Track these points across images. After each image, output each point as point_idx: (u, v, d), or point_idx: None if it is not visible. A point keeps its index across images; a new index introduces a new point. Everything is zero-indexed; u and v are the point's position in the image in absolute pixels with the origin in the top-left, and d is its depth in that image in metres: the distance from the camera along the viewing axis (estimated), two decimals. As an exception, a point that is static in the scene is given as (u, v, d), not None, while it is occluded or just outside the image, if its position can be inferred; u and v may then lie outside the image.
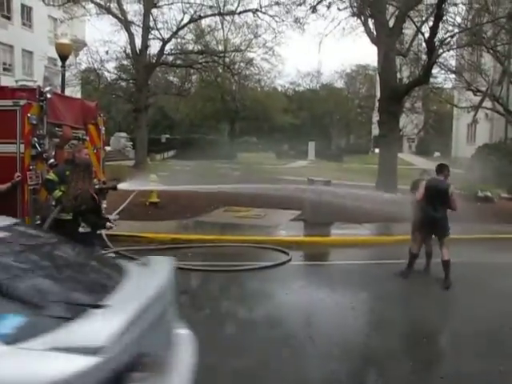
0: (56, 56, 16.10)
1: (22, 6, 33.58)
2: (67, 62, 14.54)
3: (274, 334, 5.43)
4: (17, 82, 7.50)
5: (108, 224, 6.00)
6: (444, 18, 15.40)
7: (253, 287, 7.32)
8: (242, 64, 33.82)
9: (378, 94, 20.04)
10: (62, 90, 12.93)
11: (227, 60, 30.00)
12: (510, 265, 8.58)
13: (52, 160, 7.21)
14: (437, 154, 52.90)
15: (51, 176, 6.85)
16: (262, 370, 4.55)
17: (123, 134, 42.04)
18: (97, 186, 6.69)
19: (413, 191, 8.09)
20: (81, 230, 5.80)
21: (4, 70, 33.83)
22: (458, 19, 18.05)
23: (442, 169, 7.75)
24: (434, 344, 5.42)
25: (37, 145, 7.03)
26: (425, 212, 7.44)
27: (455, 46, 19.14)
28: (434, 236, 7.79)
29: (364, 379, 4.63)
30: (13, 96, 7.01)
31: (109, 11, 26.80)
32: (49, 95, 7.18)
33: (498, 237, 11.23)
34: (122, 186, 7.57)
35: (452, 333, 5.82)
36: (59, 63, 15.71)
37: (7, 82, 12.74)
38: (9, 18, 33.00)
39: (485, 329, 5.62)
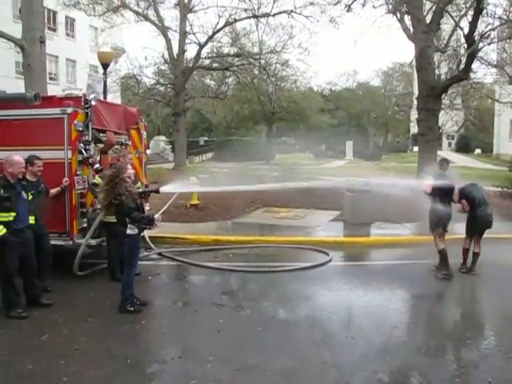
0: (97, 63, 16.67)
1: (66, 17, 34.79)
2: (108, 69, 14.98)
3: (315, 334, 5.47)
4: (64, 90, 7.84)
5: (155, 221, 6.17)
6: (484, 10, 14.99)
7: (294, 288, 7.36)
8: (277, 65, 33.84)
9: (416, 92, 19.66)
10: (105, 97, 13.34)
11: (263, 62, 30.13)
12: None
13: (97, 165, 7.49)
14: (478, 151, 51.44)
15: (97, 180, 7.14)
16: (303, 370, 4.59)
17: (162, 138, 42.85)
18: (140, 190, 6.89)
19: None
20: (128, 231, 5.98)
21: (50, 79, 35.02)
22: (499, 11, 17.51)
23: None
24: (478, 344, 5.32)
25: (83, 150, 7.34)
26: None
27: (496, 40, 18.53)
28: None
29: (406, 380, 4.61)
30: (60, 104, 7.35)
31: (146, 18, 27.45)
32: (93, 102, 7.47)
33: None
34: (163, 188, 7.77)
35: (496, 333, 5.70)
36: (100, 70, 16.26)
37: (53, 90, 13.25)
38: (54, 30, 34.28)
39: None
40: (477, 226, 7.90)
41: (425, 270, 8.05)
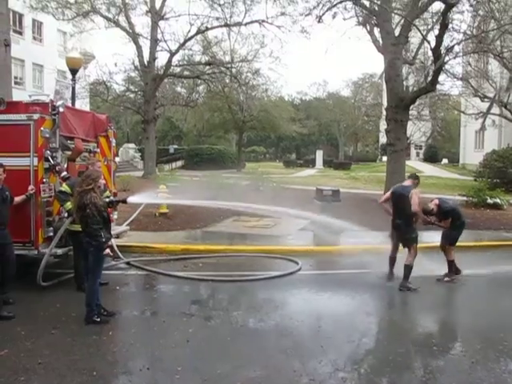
0: (65, 68, 16.34)
1: (33, 20, 34.12)
2: (76, 75, 14.73)
3: (285, 343, 5.47)
4: (30, 96, 7.65)
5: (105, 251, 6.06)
6: (450, 25, 15.46)
7: (263, 297, 7.37)
8: (248, 74, 33.98)
9: (385, 103, 20.09)
10: (73, 103, 13.11)
11: (234, 70, 30.19)
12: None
13: (65, 173, 7.34)
14: (445, 160, 52.79)
15: (64, 188, 7.00)
16: (273, 379, 4.58)
17: (132, 145, 42.36)
18: (107, 199, 6.77)
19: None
20: (93, 242, 5.86)
21: (15, 83, 34.21)
22: (464, 26, 18.15)
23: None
24: (444, 351, 5.42)
25: (50, 158, 7.18)
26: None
27: (461, 54, 19.15)
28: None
29: (375, 388, 4.66)
30: (27, 110, 7.18)
31: (117, 24, 27.20)
32: (61, 109, 7.34)
33: (507, 244, 11.20)
34: (131, 199, 7.68)
35: (462, 339, 5.82)
36: (69, 76, 15.94)
37: (19, 95, 12.91)
38: (20, 33, 33.55)
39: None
40: (460, 234, 8.31)
41: (393, 279, 8.16)
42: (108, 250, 6.02)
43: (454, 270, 8.22)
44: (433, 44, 15.50)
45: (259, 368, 4.80)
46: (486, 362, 5.08)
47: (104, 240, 5.90)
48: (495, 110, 27.39)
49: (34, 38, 36.29)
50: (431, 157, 54.65)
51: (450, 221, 8.17)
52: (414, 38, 21.54)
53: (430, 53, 17.52)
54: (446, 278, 8.11)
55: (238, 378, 4.54)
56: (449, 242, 8.23)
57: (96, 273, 6.08)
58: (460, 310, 7.22)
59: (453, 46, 16.08)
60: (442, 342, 5.71)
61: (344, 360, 5.06)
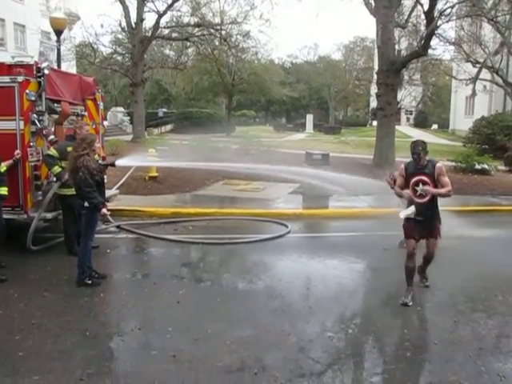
0: (49, 30, 15.90)
1: (12, -24, 32.86)
2: (61, 37, 14.35)
3: (274, 304, 5.59)
4: (13, 58, 7.49)
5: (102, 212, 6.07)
6: (443, -13, 15.24)
7: (253, 259, 7.48)
8: (238, 37, 33.33)
9: (376, 67, 19.91)
10: (58, 66, 12.82)
11: (224, 33, 29.58)
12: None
13: (52, 136, 7.26)
14: (435, 126, 52.82)
15: (52, 152, 6.94)
16: (262, 338, 4.70)
17: (120, 109, 41.72)
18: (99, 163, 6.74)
19: None
20: (86, 204, 5.86)
21: (-3, 44, 33.34)
22: (458, -11, 17.81)
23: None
24: (427, 310, 5.58)
25: (36, 121, 7.07)
26: None
27: (454, 17, 18.91)
28: None
29: (361, 345, 4.80)
30: (10, 72, 7.02)
31: (103, -17, 26.34)
32: (46, 71, 7.18)
33: (493, 209, 11.40)
34: (120, 162, 7.64)
35: (445, 299, 5.99)
36: (53, 37, 15.52)
37: (0, 56, 12.57)
38: (-1, -10, 32.32)
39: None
40: None
41: (381, 242, 8.30)
42: (105, 210, 6.03)
43: None
44: (426, 7, 15.31)
45: (248, 328, 4.92)
46: (467, 321, 5.25)
47: (97, 201, 5.90)
48: (486, 75, 27.26)
49: (14, -4, 34.92)
50: (421, 122, 54.58)
51: None
52: (407, 0, 21.19)
53: (422, 16, 17.30)
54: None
55: (227, 338, 4.66)
56: None
57: (88, 235, 6.11)
58: (449, 272, 7.37)
59: (446, 9, 15.89)
60: (427, 303, 5.86)
61: (331, 320, 5.21)
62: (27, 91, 6.92)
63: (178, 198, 11.63)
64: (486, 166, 16.52)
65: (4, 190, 6.14)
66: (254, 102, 64.88)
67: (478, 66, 25.07)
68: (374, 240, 8.56)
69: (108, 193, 9.03)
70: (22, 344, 4.44)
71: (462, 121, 39.48)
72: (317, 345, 4.62)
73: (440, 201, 5.80)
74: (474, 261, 7.48)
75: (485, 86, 28.96)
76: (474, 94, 26.07)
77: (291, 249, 7.99)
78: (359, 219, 10.29)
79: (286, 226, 9.10)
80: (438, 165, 5.60)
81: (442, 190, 5.55)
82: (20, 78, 6.86)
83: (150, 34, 27.47)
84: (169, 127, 41.68)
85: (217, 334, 4.74)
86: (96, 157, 7.28)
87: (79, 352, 4.35)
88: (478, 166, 16.53)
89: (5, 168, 6.23)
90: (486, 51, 24.98)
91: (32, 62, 7.26)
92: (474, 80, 25.38)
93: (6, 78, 6.93)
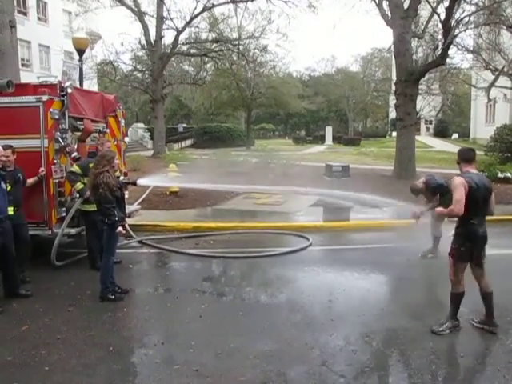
0: (72, 49, 16.34)
1: (37, 0, 33.86)
2: (83, 56, 14.71)
3: (297, 318, 5.56)
4: (38, 78, 7.69)
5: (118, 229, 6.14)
6: (460, -3, 15.16)
7: (275, 273, 7.46)
8: (256, 51, 33.76)
9: (394, 77, 19.84)
10: (81, 84, 13.13)
11: (241, 47, 29.97)
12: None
13: (75, 153, 7.41)
14: (455, 135, 52.21)
15: (74, 168, 7.08)
16: (285, 352, 4.67)
17: (141, 125, 42.43)
18: (119, 179, 6.85)
19: None
20: (106, 220, 5.95)
21: (23, 65, 34.16)
22: (475, -3, 17.71)
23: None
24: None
25: (60, 139, 7.24)
26: None
27: (472, 26, 18.78)
28: None
29: (385, 359, 4.73)
30: (35, 92, 7.23)
31: (122, 3, 26.97)
32: (69, 90, 7.36)
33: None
34: (141, 181, 7.76)
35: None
36: (75, 56, 15.95)
37: (27, 77, 12.95)
38: (25, 14, 33.33)
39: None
40: None
41: (403, 253, 8.19)
42: (120, 228, 6.10)
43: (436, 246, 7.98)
44: (443, 16, 15.24)
45: (271, 341, 4.90)
46: (495, 333, 5.13)
47: (117, 218, 5.98)
48: (507, 83, 26.90)
49: (39, 19, 36.04)
50: (441, 132, 54.03)
51: (439, 197, 7.72)
52: (424, 10, 21.15)
53: (439, 25, 17.23)
54: (430, 255, 8.09)
55: (250, 352, 4.65)
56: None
57: (110, 251, 6.19)
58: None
59: (463, 18, 15.80)
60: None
61: (355, 334, 5.14)
62: (51, 110, 7.11)
63: (199, 213, 11.70)
64: (508, 175, 16.22)
65: (11, 210, 6.20)
66: (272, 116, 65.18)
67: (497, 73, 24.78)
68: (395, 252, 8.45)
69: (129, 208, 9.19)
70: (48, 358, 4.51)
71: (482, 129, 38.97)
72: (340, 358, 4.57)
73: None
74: (498, 271, 7.31)
75: (505, 95, 28.57)
76: (489, 100, 25.69)
77: (313, 262, 7.94)
78: (381, 231, 10.19)
79: (307, 239, 9.07)
80: (453, 180, 5.09)
81: (445, 210, 5.18)
82: (44, 98, 7.05)
83: (169, 51, 27.97)
84: (189, 142, 42.16)
85: (239, 348, 4.73)
86: (117, 173, 7.43)
87: (103, 367, 4.38)
88: (500, 175, 16.24)
89: (10, 187, 6.30)
90: (505, 58, 24.68)
91: (56, 82, 7.45)
92: (489, 86, 25.05)
93: (32, 98, 7.13)
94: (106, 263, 6.16)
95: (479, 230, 5.08)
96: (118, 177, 7.24)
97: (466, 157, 5.25)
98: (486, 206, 5.16)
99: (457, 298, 5.20)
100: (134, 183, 7.25)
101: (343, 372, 4.30)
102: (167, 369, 4.36)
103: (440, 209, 5.34)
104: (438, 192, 7.86)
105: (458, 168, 5.33)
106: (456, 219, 5.17)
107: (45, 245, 7.34)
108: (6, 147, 6.24)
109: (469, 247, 5.09)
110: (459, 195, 4.87)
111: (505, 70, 23.40)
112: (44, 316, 5.51)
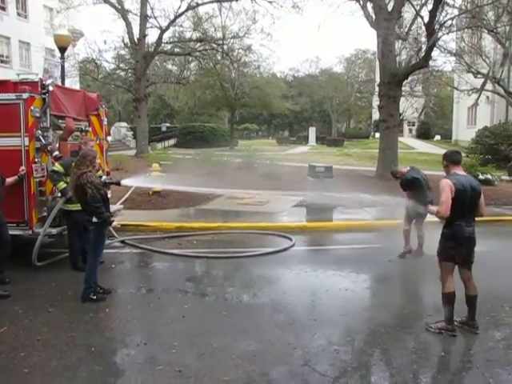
0: (53, 47, 16.10)
1: (16, -5, 33.32)
2: (65, 53, 14.52)
3: (280, 318, 5.57)
4: (18, 75, 7.55)
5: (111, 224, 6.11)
6: (443, 0, 15.34)
7: (257, 273, 7.46)
8: (240, 51, 33.72)
9: (378, 79, 20.00)
10: (62, 82, 12.95)
11: (226, 47, 29.87)
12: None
13: (57, 152, 7.31)
14: (437, 137, 52.88)
15: (57, 167, 6.99)
16: (268, 352, 4.68)
17: (123, 124, 42.01)
18: (102, 179, 6.77)
19: None
20: (94, 219, 5.88)
21: (1, 62, 33.72)
22: (458, 1, 18.01)
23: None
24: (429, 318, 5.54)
25: (41, 137, 7.14)
26: None
27: (455, 29, 19.04)
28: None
29: (368, 359, 4.77)
30: (15, 89, 7.09)
31: (105, 0, 26.67)
32: (51, 88, 7.26)
33: (497, 219, 11.34)
34: (125, 182, 7.69)
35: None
36: (57, 54, 15.72)
37: (6, 74, 12.70)
38: (4, 9, 32.76)
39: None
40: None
41: (385, 254, 8.27)
42: (115, 223, 6.04)
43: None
44: (426, 19, 15.41)
45: (254, 342, 4.90)
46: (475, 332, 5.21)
47: (106, 216, 5.93)
48: (488, 86, 27.33)
49: (19, 15, 35.28)
50: (424, 133, 54.69)
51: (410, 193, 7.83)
52: (408, 13, 21.36)
53: (423, 28, 17.42)
54: (408, 254, 8.18)
55: (233, 352, 4.64)
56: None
57: (97, 251, 6.12)
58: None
59: (446, 21, 16.01)
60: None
61: (337, 334, 5.18)
62: (32, 108, 7.00)
63: (182, 213, 11.65)
64: (489, 177, 16.49)
65: None
66: (256, 116, 65.24)
67: (479, 76, 25.14)
68: (377, 252, 8.52)
69: (112, 208, 9.08)
70: (27, 360, 4.43)
71: (464, 131, 39.56)
72: (323, 358, 4.59)
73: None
74: (479, 271, 7.43)
75: (487, 97, 29.03)
76: (476, 104, 26.09)
77: (296, 262, 7.97)
78: (363, 231, 10.27)
79: (290, 239, 9.09)
80: (440, 182, 5.11)
81: (435, 209, 5.14)
82: (25, 95, 6.94)
83: (152, 50, 27.76)
84: (172, 142, 41.91)
85: (222, 349, 4.72)
86: (99, 173, 7.35)
87: (85, 368, 4.33)
88: (481, 177, 16.46)
89: None
90: (486, 62, 25.08)
91: (37, 79, 7.33)
92: (478, 91, 25.41)
93: (12, 95, 7.01)
94: (91, 263, 6.08)
95: (465, 232, 5.08)
96: (101, 176, 7.16)
97: (452, 159, 5.28)
98: (475, 207, 5.16)
99: (447, 298, 5.20)
100: (118, 183, 7.17)
101: (326, 372, 4.32)
102: (150, 369, 4.32)
103: (432, 208, 5.27)
104: (408, 186, 7.91)
105: (439, 169, 5.38)
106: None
107: (24, 245, 7.23)
108: None
109: (454, 248, 5.11)
110: (445, 197, 4.91)
111: (490, 74, 23.76)
112: (24, 317, 5.42)
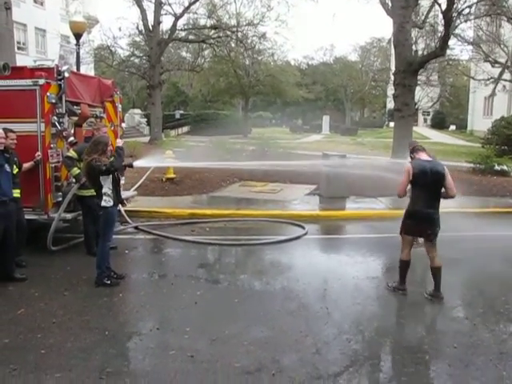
0: (69, 33, 16.15)
1: (33, -18, 33.37)
2: (81, 40, 14.56)
3: (292, 305, 5.60)
4: (35, 61, 7.59)
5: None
6: (462, -13, 15.07)
7: (270, 260, 7.49)
8: (254, 38, 33.39)
9: (393, 67, 19.75)
10: (78, 68, 13.03)
11: (240, 34, 29.68)
12: None
13: (72, 138, 7.37)
14: (452, 127, 52.19)
15: (71, 153, 7.05)
16: (279, 339, 4.71)
17: (137, 111, 42.16)
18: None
19: None
20: (103, 203, 5.93)
21: (18, 48, 33.73)
22: (477, -12, 17.62)
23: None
24: (446, 314, 5.52)
25: (57, 123, 7.19)
26: None
27: (473, 17, 18.68)
28: None
29: (379, 348, 4.78)
30: (32, 76, 7.13)
31: (120, -14, 26.60)
32: (66, 74, 7.29)
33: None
34: (137, 163, 7.70)
35: (464, 303, 5.93)
36: (72, 41, 15.77)
37: (23, 60, 12.76)
38: (20, -4, 32.83)
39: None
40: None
41: (397, 243, 8.22)
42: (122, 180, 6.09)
43: None
44: (443, 7, 15.13)
45: (266, 329, 4.93)
46: (488, 324, 5.18)
47: (114, 203, 5.98)
48: (506, 75, 26.86)
49: (35, 1, 35.34)
50: (439, 123, 53.94)
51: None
52: (425, 0, 21.01)
53: (440, 16, 17.13)
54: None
55: (245, 338, 4.68)
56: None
57: (106, 236, 6.18)
58: (466, 272, 7.28)
59: (464, 9, 15.71)
60: (447, 305, 5.79)
61: (349, 322, 5.18)
62: (48, 94, 7.04)
63: (195, 200, 11.70)
64: (505, 168, 16.26)
65: (17, 193, 6.24)
66: (270, 104, 64.87)
67: (496, 66, 24.72)
68: (390, 241, 8.47)
69: (126, 194, 9.17)
70: (44, 342, 4.52)
71: (480, 121, 39.02)
72: (334, 347, 4.61)
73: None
74: (494, 262, 7.38)
75: (504, 86, 28.55)
76: (493, 94, 25.68)
77: (308, 250, 7.98)
78: (376, 221, 10.23)
79: (303, 228, 9.09)
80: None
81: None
82: (41, 81, 6.99)
83: (167, 37, 27.72)
84: (185, 129, 41.98)
85: (234, 335, 4.76)
86: (113, 158, 7.37)
87: (99, 351, 4.41)
88: (497, 168, 16.28)
89: (17, 170, 6.33)
90: (505, 50, 24.64)
91: (53, 66, 7.37)
92: (496, 81, 24.99)
93: (29, 81, 7.06)
94: (102, 248, 6.16)
95: (423, 210, 5.68)
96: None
97: (413, 146, 6.03)
98: (438, 189, 5.68)
99: (401, 264, 6.02)
100: (131, 165, 7.19)
101: (336, 360, 4.34)
102: (162, 354, 4.38)
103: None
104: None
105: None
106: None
107: (40, 229, 7.33)
108: (8, 130, 6.22)
109: (411, 224, 5.81)
110: (403, 179, 5.66)
111: (508, 63, 23.34)
112: (40, 300, 5.52)
